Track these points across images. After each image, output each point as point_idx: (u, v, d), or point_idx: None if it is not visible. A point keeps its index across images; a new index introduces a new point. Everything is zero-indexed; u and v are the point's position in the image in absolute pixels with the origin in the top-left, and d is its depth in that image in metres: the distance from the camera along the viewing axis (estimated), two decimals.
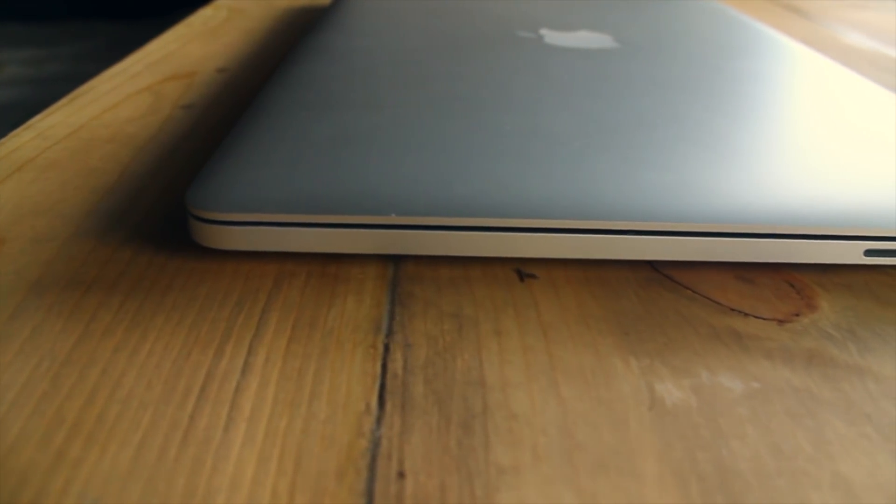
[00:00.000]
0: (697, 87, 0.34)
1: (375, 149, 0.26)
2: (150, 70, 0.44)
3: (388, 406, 0.19)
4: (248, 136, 0.27)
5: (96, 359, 0.20)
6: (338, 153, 0.25)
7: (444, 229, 0.23)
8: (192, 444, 0.17)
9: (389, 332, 0.21)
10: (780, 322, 0.23)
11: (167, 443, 0.17)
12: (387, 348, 0.21)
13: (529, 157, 0.26)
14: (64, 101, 0.38)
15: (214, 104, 0.39)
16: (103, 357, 0.20)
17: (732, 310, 0.23)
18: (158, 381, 0.19)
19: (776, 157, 0.27)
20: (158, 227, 0.27)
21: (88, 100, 0.39)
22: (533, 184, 0.24)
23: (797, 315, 0.23)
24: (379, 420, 0.18)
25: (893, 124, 0.31)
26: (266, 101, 0.30)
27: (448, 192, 0.23)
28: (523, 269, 0.25)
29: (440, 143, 0.26)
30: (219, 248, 0.24)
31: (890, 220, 0.24)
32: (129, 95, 0.39)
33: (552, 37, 0.42)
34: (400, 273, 0.24)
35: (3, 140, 0.33)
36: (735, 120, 0.30)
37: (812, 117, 0.31)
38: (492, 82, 0.33)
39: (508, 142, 0.27)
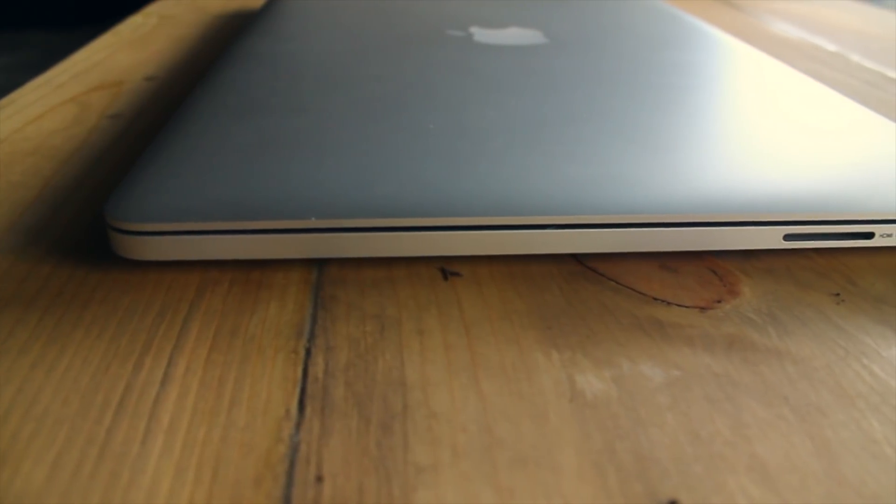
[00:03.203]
0: (623, 80, 0.34)
1: (296, 152, 0.25)
2: (76, 80, 0.43)
3: (308, 410, 0.18)
4: (169, 144, 0.26)
5: (12, 376, 0.20)
6: (259, 158, 0.25)
7: (366, 231, 0.23)
8: (108, 458, 0.17)
9: (311, 337, 0.21)
10: (703, 309, 0.23)
11: (83, 458, 0.17)
12: (308, 352, 0.21)
13: (452, 155, 0.26)
14: None
15: (142, 113, 0.38)
16: (19, 374, 0.20)
17: (655, 299, 0.24)
18: (76, 396, 0.19)
19: (697, 146, 0.27)
20: (80, 240, 0.26)
21: (10, 112, 0.38)
22: (455, 182, 0.24)
23: (719, 302, 0.24)
24: (298, 425, 0.18)
25: (813, 111, 0.32)
26: (189, 109, 0.30)
27: (368, 193, 0.23)
28: (448, 267, 0.25)
29: (362, 144, 0.26)
30: (139, 259, 0.24)
31: (807, 204, 0.25)
32: (54, 107, 0.39)
33: (482, 34, 0.42)
34: (324, 277, 0.24)
35: None
36: (658, 111, 0.30)
37: (733, 106, 0.32)
38: (418, 82, 0.33)
39: (432, 141, 0.27)
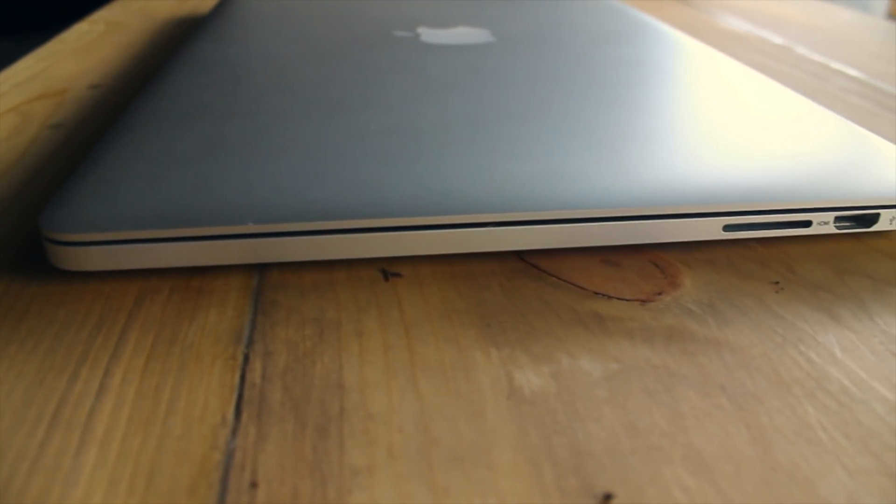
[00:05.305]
0: (566, 77, 0.34)
1: (234, 158, 0.25)
2: (18, 89, 0.43)
3: (245, 416, 0.18)
4: (107, 153, 0.26)
5: None
6: (196, 165, 0.25)
7: (304, 234, 0.23)
8: (39, 473, 0.17)
9: (250, 342, 0.21)
10: (643, 302, 0.23)
11: (12, 474, 0.17)
12: (246, 358, 0.20)
13: (393, 155, 0.26)
14: None
15: (85, 122, 0.38)
16: None
17: (596, 294, 0.24)
18: (8, 411, 0.19)
19: (637, 140, 0.27)
20: (17, 252, 0.26)
21: None
22: (394, 182, 0.24)
23: (660, 294, 0.24)
24: (234, 431, 0.18)
25: (754, 103, 0.32)
26: (129, 117, 0.29)
27: (305, 196, 0.23)
28: (389, 268, 0.25)
29: (302, 147, 0.26)
30: (76, 270, 0.23)
31: (744, 194, 0.25)
32: None
33: (429, 35, 0.42)
34: (264, 281, 0.24)
35: None
36: (599, 107, 0.31)
37: (674, 100, 0.32)
38: (362, 84, 0.33)
39: (372, 142, 0.26)
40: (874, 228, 0.26)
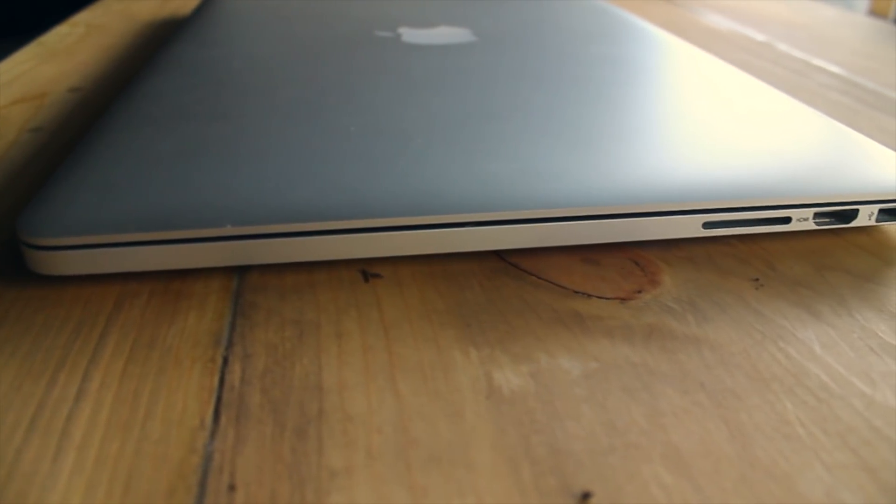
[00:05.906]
0: (546, 76, 0.34)
1: (213, 160, 0.25)
2: None
3: (223, 419, 0.18)
4: (85, 156, 0.26)
5: None
6: (175, 167, 0.25)
7: (283, 236, 0.23)
8: (16, 479, 0.17)
9: (229, 345, 0.21)
10: (623, 300, 0.23)
11: None
12: (225, 361, 0.20)
13: (372, 156, 0.26)
14: None
15: (65, 126, 0.38)
16: None
17: (576, 292, 0.24)
18: None
19: (616, 138, 0.28)
20: None
21: None
22: (374, 183, 0.24)
23: (640, 292, 0.24)
24: (213, 434, 0.18)
25: (733, 100, 0.32)
26: (108, 120, 0.29)
27: (284, 197, 0.23)
28: (369, 269, 0.25)
29: (281, 149, 0.26)
30: (54, 274, 0.23)
31: (723, 192, 0.25)
32: None
33: (410, 35, 0.42)
34: (244, 284, 0.24)
35: None
36: (578, 105, 0.31)
37: (654, 98, 0.32)
38: (343, 85, 0.33)
39: (352, 143, 0.26)
40: (853, 224, 0.27)
